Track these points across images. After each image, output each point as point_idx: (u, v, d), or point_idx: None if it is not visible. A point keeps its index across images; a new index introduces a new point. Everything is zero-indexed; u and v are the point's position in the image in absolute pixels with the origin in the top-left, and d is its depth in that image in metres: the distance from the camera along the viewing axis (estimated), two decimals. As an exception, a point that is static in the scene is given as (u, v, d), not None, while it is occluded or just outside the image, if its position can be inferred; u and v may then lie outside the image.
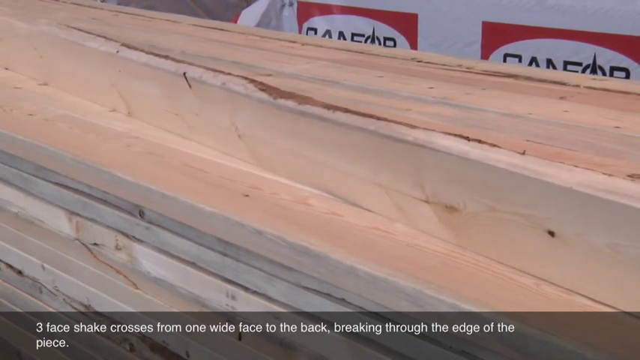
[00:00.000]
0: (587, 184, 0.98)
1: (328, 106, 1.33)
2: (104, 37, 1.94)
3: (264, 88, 1.46)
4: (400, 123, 1.24)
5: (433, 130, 1.19)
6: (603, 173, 1.01)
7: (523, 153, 1.08)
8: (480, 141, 1.13)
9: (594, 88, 2.08)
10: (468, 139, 1.13)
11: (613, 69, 3.71)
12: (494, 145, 1.11)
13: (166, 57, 1.72)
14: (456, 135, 1.16)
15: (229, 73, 1.56)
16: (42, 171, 1.72)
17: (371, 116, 1.27)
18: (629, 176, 1.42)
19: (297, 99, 1.39)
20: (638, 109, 1.93)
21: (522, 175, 1.05)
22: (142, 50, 1.77)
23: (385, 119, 1.26)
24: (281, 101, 1.41)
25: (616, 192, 0.97)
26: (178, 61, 1.68)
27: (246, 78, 1.51)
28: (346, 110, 1.31)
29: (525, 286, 1.02)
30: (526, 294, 1.00)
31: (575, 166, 1.03)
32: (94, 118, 1.84)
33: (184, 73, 1.61)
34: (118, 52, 1.80)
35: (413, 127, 1.22)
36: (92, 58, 1.93)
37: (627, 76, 3.64)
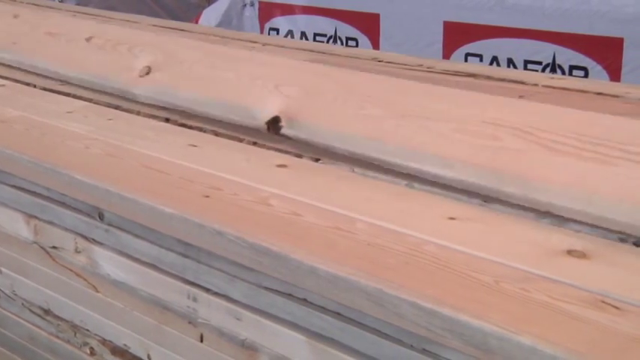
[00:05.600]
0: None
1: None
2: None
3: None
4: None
5: None
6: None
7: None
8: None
9: (553, 87, 2.10)
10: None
11: (572, 68, 3.76)
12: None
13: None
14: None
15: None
16: (-2, 174, 1.70)
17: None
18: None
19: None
20: (596, 107, 1.95)
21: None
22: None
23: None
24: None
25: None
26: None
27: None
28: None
29: (485, 283, 1.03)
30: (486, 291, 1.01)
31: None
32: (52, 120, 1.81)
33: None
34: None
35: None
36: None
37: (586, 75, 3.69)
